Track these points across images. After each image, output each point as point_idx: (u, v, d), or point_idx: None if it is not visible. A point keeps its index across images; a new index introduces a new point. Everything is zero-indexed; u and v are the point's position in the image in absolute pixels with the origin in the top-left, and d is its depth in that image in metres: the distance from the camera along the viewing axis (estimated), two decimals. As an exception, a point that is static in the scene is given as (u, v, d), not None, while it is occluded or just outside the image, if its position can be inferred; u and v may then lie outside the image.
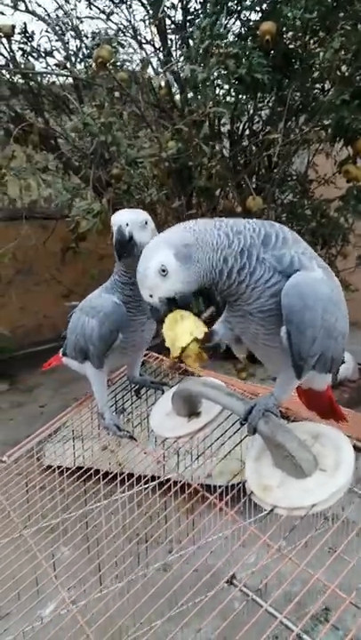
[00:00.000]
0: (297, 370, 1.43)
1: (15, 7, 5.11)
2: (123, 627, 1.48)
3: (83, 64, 5.41)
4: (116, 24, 5.54)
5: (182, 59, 4.93)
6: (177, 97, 5.16)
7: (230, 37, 4.44)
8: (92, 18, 5.27)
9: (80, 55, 5.43)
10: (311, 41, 4.46)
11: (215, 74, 4.08)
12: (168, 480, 1.82)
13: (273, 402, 1.51)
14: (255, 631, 1.27)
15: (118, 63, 4.90)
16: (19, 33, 5.16)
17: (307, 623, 2.75)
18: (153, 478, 1.97)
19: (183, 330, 1.42)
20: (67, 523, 1.91)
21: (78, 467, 2.13)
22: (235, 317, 1.53)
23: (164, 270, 1.35)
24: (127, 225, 1.71)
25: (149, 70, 4.60)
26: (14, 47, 5.20)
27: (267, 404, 1.49)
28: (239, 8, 4.70)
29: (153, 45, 5.56)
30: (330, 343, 1.43)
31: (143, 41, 5.52)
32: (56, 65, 5.41)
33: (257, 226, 1.41)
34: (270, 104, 5.00)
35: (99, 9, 5.49)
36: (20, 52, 5.27)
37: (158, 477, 1.87)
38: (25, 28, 5.18)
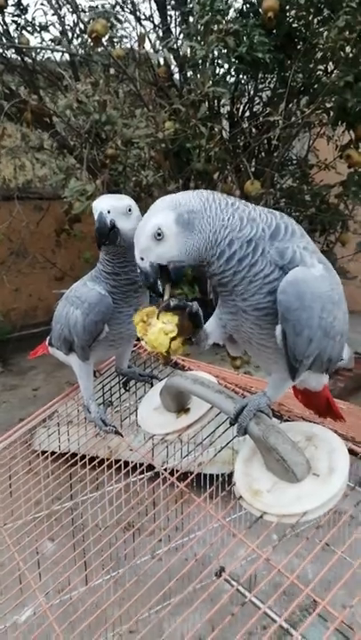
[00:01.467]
0: (292, 371, 1.35)
1: (9, -22, 4.92)
2: (110, 618, 1.43)
3: (79, 40, 5.25)
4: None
5: (182, 36, 4.78)
6: (175, 77, 5.01)
7: (232, 14, 4.28)
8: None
9: (77, 31, 5.26)
10: (315, 20, 4.31)
11: (215, 52, 3.94)
12: (157, 473, 1.77)
13: (265, 401, 1.43)
14: (243, 622, 1.23)
15: (115, 39, 4.75)
16: (12, 5, 4.98)
17: (296, 614, 2.74)
18: (142, 466, 1.92)
19: (157, 332, 1.34)
20: (53, 517, 1.86)
21: (65, 453, 2.07)
22: (227, 314, 1.44)
23: (159, 234, 1.25)
24: (109, 212, 1.61)
25: (147, 46, 4.45)
26: (7, 20, 5.03)
27: (259, 403, 1.41)
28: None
29: (152, 22, 5.39)
30: (327, 343, 1.34)
31: (142, 17, 5.35)
32: (51, 40, 5.24)
33: (270, 217, 1.32)
34: (271, 85, 4.86)
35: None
36: (14, 26, 5.10)
37: (148, 465, 1.80)
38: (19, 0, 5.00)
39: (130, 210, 1.64)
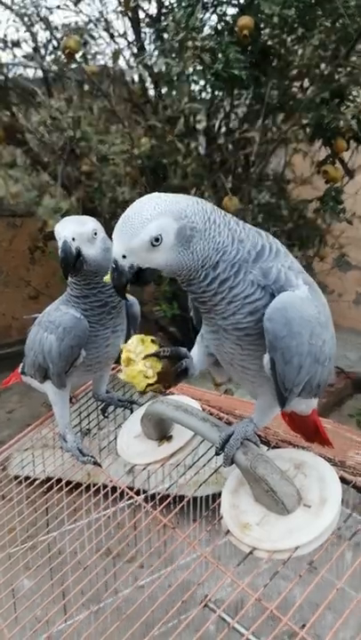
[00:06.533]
0: (281, 400, 1.28)
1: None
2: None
3: (52, 56, 5.20)
4: (88, 16, 5.34)
5: (156, 53, 4.76)
6: (151, 92, 4.99)
7: (206, 31, 4.28)
8: (60, 7, 5.01)
9: (50, 47, 5.21)
10: (289, 38, 4.34)
11: (190, 69, 3.92)
12: (138, 493, 1.69)
13: (252, 428, 1.36)
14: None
15: (89, 56, 4.71)
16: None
17: (283, 640, 2.66)
18: (123, 493, 1.84)
19: (136, 373, 1.28)
20: (29, 555, 1.75)
21: (43, 478, 1.97)
22: (209, 333, 1.37)
23: (157, 240, 1.14)
24: (73, 240, 1.52)
25: (122, 63, 4.42)
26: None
27: (246, 431, 1.34)
28: (215, 2, 4.55)
29: (126, 39, 5.37)
30: (317, 369, 1.28)
31: (116, 34, 5.33)
32: (24, 57, 5.18)
33: (257, 237, 1.25)
34: (247, 101, 4.87)
35: (70, -1, 5.27)
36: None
37: (130, 489, 1.72)
38: (-10, 16, 4.94)
39: (95, 234, 1.56)
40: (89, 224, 1.55)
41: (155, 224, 1.14)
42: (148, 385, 1.29)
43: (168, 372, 1.31)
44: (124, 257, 1.17)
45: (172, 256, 1.18)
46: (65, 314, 1.67)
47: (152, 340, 1.33)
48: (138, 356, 1.29)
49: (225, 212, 1.26)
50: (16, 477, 2.00)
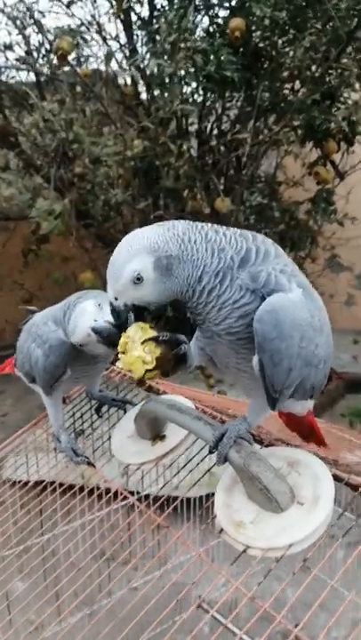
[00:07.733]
0: (271, 401, 1.28)
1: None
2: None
3: (45, 59, 5.20)
4: (80, 19, 5.35)
5: (148, 55, 4.77)
6: (143, 95, 5.00)
7: (199, 33, 4.31)
8: (52, 12, 5.02)
9: (42, 50, 5.21)
10: (280, 40, 4.37)
11: (183, 70, 3.94)
12: (132, 494, 1.69)
13: (246, 427, 1.37)
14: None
15: (82, 59, 4.72)
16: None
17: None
18: (117, 495, 1.84)
19: (135, 359, 1.27)
20: (24, 556, 1.74)
21: (37, 481, 1.96)
22: (204, 338, 1.38)
23: (138, 279, 1.22)
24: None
25: (114, 65, 4.43)
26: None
27: (239, 430, 1.35)
28: (207, 4, 4.58)
29: (118, 41, 5.38)
30: (309, 371, 1.28)
31: (108, 37, 5.34)
32: (16, 60, 5.17)
33: (240, 241, 1.26)
34: (239, 103, 4.90)
35: (61, 1, 5.28)
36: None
37: (124, 490, 1.73)
38: (-18, 19, 4.92)
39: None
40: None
41: (132, 264, 1.21)
42: (147, 371, 1.28)
43: (166, 358, 1.31)
44: (116, 299, 1.27)
45: (160, 287, 1.24)
46: (53, 332, 1.65)
47: (151, 327, 1.31)
48: (136, 342, 1.28)
49: (202, 225, 1.28)
50: (11, 483, 1.99)
